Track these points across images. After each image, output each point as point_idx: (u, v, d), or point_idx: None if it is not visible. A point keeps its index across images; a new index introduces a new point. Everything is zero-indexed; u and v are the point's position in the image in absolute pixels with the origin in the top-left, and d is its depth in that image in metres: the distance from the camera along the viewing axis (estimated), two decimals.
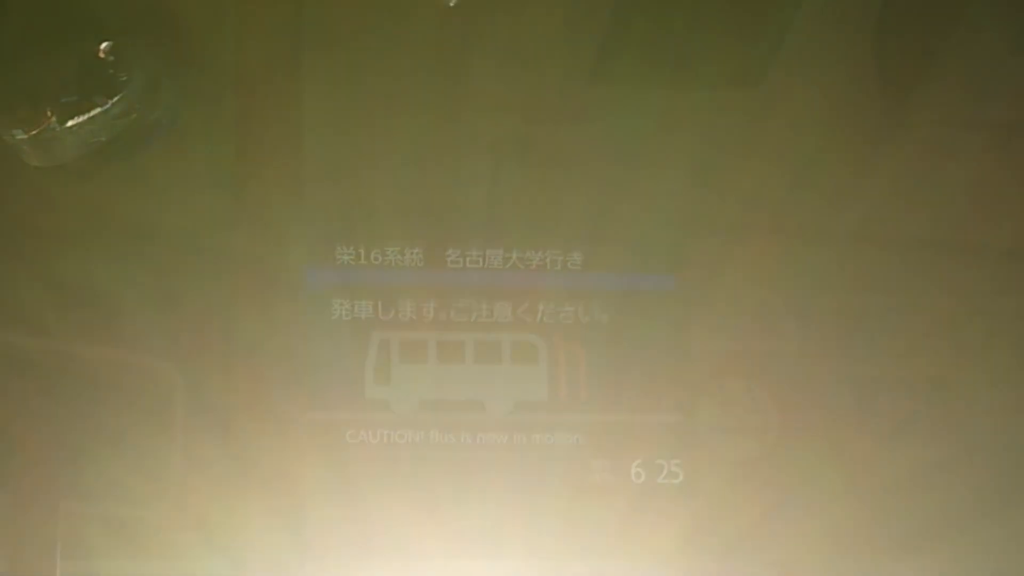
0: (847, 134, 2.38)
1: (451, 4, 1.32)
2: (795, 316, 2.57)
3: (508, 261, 2.55)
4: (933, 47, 2.25)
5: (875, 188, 2.48)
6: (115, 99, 2.21)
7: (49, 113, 2.19)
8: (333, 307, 2.44)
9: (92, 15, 2.18)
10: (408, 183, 2.49)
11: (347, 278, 2.48)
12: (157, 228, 2.43)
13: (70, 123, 2.21)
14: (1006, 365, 2.56)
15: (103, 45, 2.17)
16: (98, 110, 2.21)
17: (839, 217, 2.59)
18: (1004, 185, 2.37)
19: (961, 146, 2.34)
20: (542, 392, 2.47)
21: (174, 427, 2.25)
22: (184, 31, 2.16)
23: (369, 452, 2.38)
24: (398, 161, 2.42)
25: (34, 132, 2.20)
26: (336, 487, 2.34)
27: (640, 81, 2.30)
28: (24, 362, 2.27)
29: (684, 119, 2.37)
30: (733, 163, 2.46)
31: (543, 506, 2.42)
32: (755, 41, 2.23)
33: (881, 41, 2.15)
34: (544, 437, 2.43)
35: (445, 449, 2.40)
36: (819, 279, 2.60)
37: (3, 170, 2.21)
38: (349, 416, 2.39)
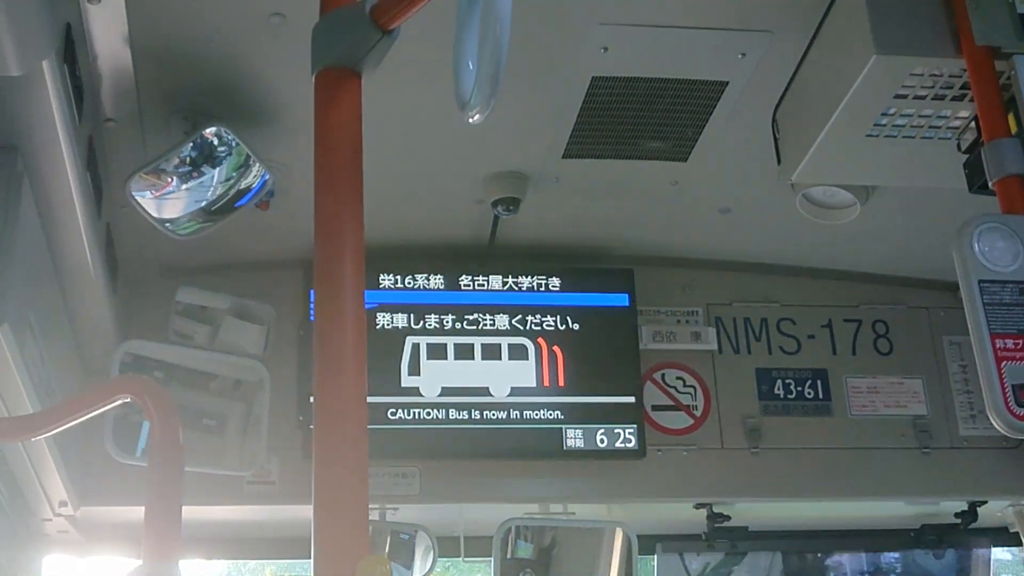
0: (747, 193, 3.01)
1: (471, 121, 1.33)
2: (714, 324, 3.36)
3: (505, 284, 3.26)
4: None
5: (765, 226, 3.20)
6: (217, 169, 2.93)
7: (171, 179, 2.91)
8: (378, 319, 3.17)
9: (202, 110, 2.81)
10: (432, 229, 3.19)
11: (388, 298, 3.19)
12: (256, 259, 3.19)
13: (185, 187, 2.94)
14: None
15: (209, 130, 2.87)
16: (205, 177, 2.94)
17: (745, 249, 3.35)
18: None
19: None
20: (531, 380, 3.15)
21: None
22: (268, 124, 2.77)
23: (405, 426, 3.08)
24: (426, 214, 3.12)
25: (159, 194, 2.92)
26: (382, 451, 2.99)
27: (602, 155, 2.80)
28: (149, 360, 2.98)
29: (632, 182, 2.94)
30: (668, 211, 3.14)
31: (533, 465, 3.13)
32: (684, 129, 2.70)
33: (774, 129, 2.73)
34: (533, 413, 3.13)
35: (460, 423, 3.10)
36: (731, 297, 3.40)
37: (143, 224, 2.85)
38: (390, 400, 3.09)
